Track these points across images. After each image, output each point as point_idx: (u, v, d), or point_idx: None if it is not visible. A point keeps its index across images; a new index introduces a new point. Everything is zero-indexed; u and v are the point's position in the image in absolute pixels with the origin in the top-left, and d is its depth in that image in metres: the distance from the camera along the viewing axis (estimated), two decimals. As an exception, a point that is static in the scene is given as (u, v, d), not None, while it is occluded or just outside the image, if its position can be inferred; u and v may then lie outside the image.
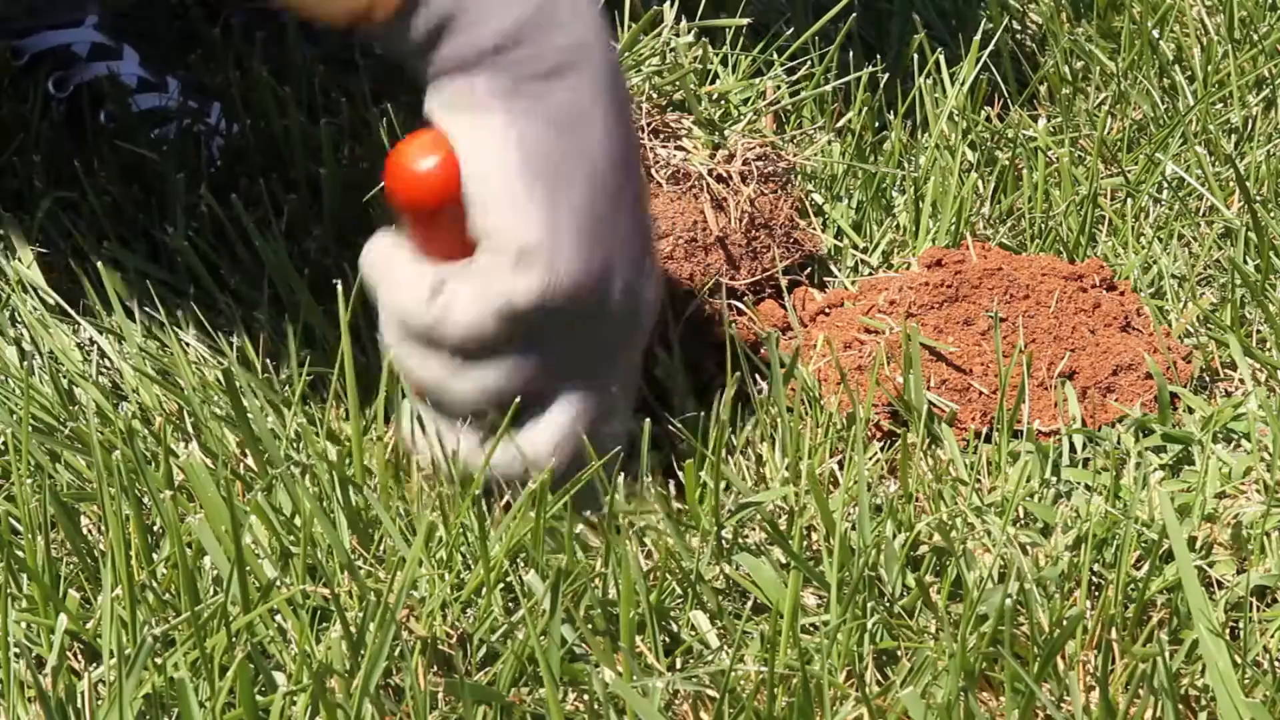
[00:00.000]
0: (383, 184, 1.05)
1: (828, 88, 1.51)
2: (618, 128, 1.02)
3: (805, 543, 1.11)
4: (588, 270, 1.01)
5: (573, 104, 1.00)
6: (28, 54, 1.56)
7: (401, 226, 1.05)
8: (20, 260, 1.35)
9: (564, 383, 1.06)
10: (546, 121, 1.00)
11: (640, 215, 1.05)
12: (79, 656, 1.05)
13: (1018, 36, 1.66)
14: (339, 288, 1.12)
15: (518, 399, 1.04)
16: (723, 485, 1.12)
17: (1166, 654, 1.00)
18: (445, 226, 1.02)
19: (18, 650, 1.03)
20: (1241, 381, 1.27)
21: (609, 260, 1.02)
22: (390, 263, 1.05)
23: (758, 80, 1.49)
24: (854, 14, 1.56)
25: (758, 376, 1.24)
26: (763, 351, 1.28)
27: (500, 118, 1.00)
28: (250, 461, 1.16)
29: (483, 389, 1.04)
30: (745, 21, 1.49)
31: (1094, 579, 1.09)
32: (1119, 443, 1.20)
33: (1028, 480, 1.16)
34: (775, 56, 1.51)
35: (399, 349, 1.05)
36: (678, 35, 1.41)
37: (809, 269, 1.38)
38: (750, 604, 1.07)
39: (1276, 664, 1.02)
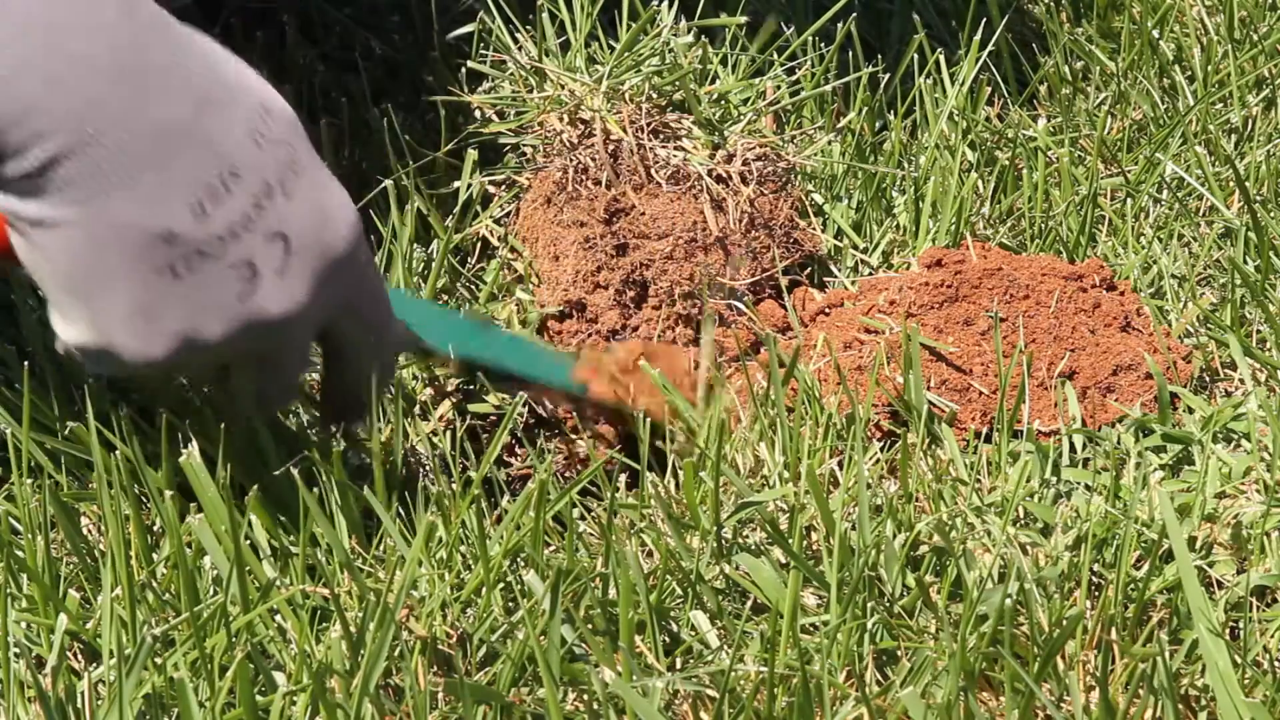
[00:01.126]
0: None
1: (827, 88, 1.51)
2: (177, 188, 0.99)
3: (805, 543, 1.11)
4: (160, 361, 1.01)
5: (78, 213, 0.97)
6: None
7: None
8: (20, 260, 1.35)
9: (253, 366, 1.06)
10: (61, 235, 0.98)
11: (248, 239, 1.01)
12: (79, 656, 1.05)
13: (1018, 36, 1.66)
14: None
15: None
16: (722, 485, 1.12)
17: (1166, 654, 1.00)
18: None
19: (18, 650, 1.03)
20: (1241, 381, 1.27)
21: (184, 331, 1.01)
22: None
23: (757, 80, 1.49)
24: (854, 14, 1.56)
25: (757, 377, 1.24)
26: (762, 352, 1.28)
27: (17, 237, 0.99)
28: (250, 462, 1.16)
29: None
30: (744, 20, 1.49)
31: (1094, 579, 1.09)
32: (1119, 443, 1.20)
33: (1028, 480, 1.16)
34: (775, 56, 1.51)
35: None
36: (676, 35, 1.41)
37: (809, 269, 1.38)
38: (750, 604, 1.07)
39: (1276, 664, 1.02)
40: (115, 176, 0.96)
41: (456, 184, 1.39)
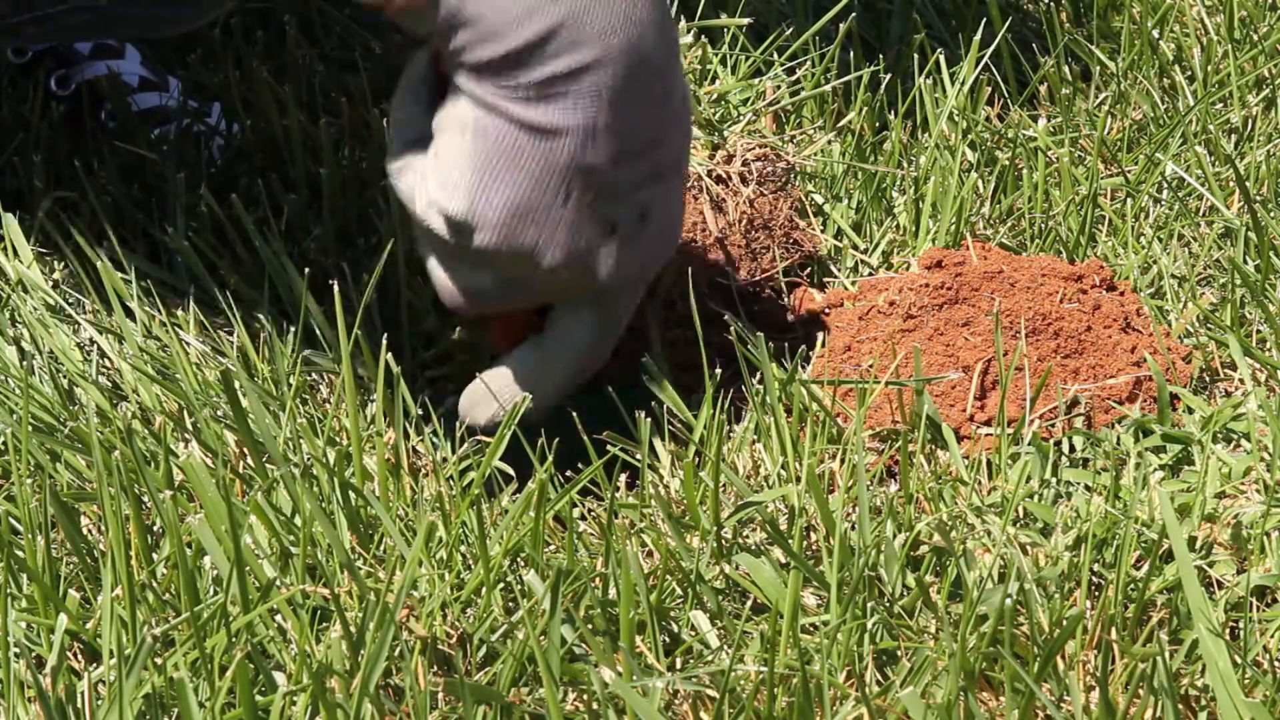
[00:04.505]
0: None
1: (827, 88, 1.51)
2: (613, 135, 1.09)
3: (805, 543, 1.11)
4: (510, 245, 1.09)
5: (547, 125, 1.08)
6: (30, 51, 1.56)
7: None
8: (20, 260, 1.35)
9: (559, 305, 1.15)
10: (511, 128, 1.08)
11: (641, 194, 1.11)
12: (79, 656, 1.05)
13: (1018, 36, 1.66)
14: (336, 289, 1.12)
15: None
16: (723, 485, 1.12)
17: (1166, 654, 1.00)
18: None
19: (18, 650, 1.03)
20: (1241, 381, 1.27)
21: (544, 241, 1.09)
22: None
23: (757, 81, 1.49)
24: (853, 14, 1.56)
25: (757, 377, 1.24)
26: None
27: (470, 106, 1.08)
28: (250, 461, 1.16)
29: (478, 291, 1.13)
30: (745, 21, 1.49)
31: (1094, 579, 1.09)
32: (1119, 443, 1.20)
33: (1028, 480, 1.16)
34: (775, 56, 1.51)
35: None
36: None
37: (809, 269, 1.38)
38: (750, 604, 1.07)
39: (1276, 664, 1.02)
40: (597, 106, 1.07)
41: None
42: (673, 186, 1.14)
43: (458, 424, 1.18)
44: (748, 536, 1.11)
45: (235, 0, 1.24)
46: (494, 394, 1.17)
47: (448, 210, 1.09)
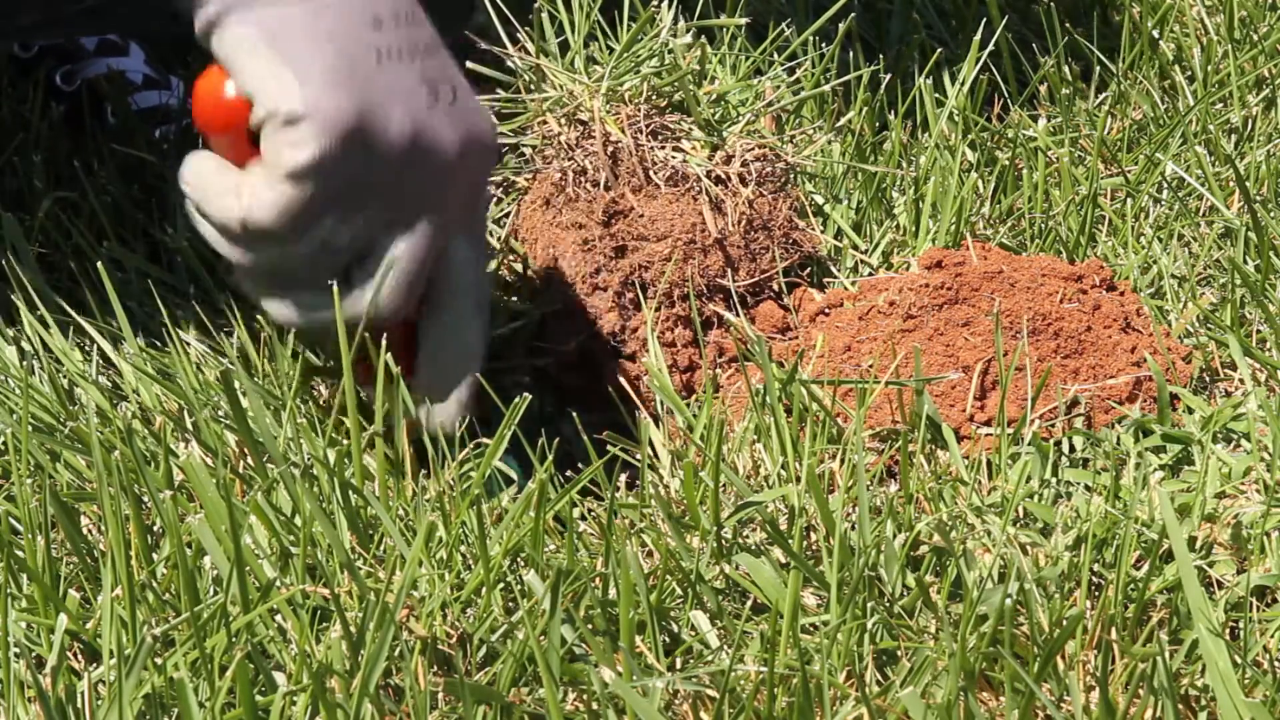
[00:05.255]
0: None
1: (827, 87, 1.51)
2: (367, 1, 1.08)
3: (805, 543, 1.11)
4: (351, 113, 1.05)
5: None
6: (35, 46, 1.56)
7: (209, 145, 1.10)
8: (20, 260, 1.35)
9: (390, 230, 1.10)
10: (281, 8, 1.06)
11: (413, 62, 1.09)
12: (79, 656, 1.05)
13: (1018, 36, 1.66)
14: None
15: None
16: (722, 485, 1.12)
17: (1166, 654, 1.00)
18: (243, 148, 1.08)
19: (18, 650, 1.03)
20: (1241, 381, 1.27)
21: (374, 104, 1.06)
22: (204, 178, 1.09)
23: (756, 81, 1.49)
24: (853, 13, 1.56)
25: (756, 378, 1.24)
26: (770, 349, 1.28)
27: (235, 23, 1.06)
28: (250, 461, 1.16)
29: (314, 252, 1.08)
30: (744, 21, 1.49)
31: (1094, 579, 1.09)
32: (1119, 443, 1.20)
33: (1028, 480, 1.16)
34: (775, 56, 1.51)
35: (230, 253, 1.10)
36: (675, 36, 1.41)
37: (808, 269, 1.38)
38: (750, 604, 1.07)
39: (1276, 664, 1.02)
40: None
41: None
42: (449, 60, 1.11)
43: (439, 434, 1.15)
44: (748, 536, 1.11)
45: None
46: (436, 392, 1.14)
47: (284, 107, 1.04)
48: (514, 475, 1.16)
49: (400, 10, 1.08)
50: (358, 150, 1.05)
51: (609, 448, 1.14)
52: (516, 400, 1.13)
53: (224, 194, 1.07)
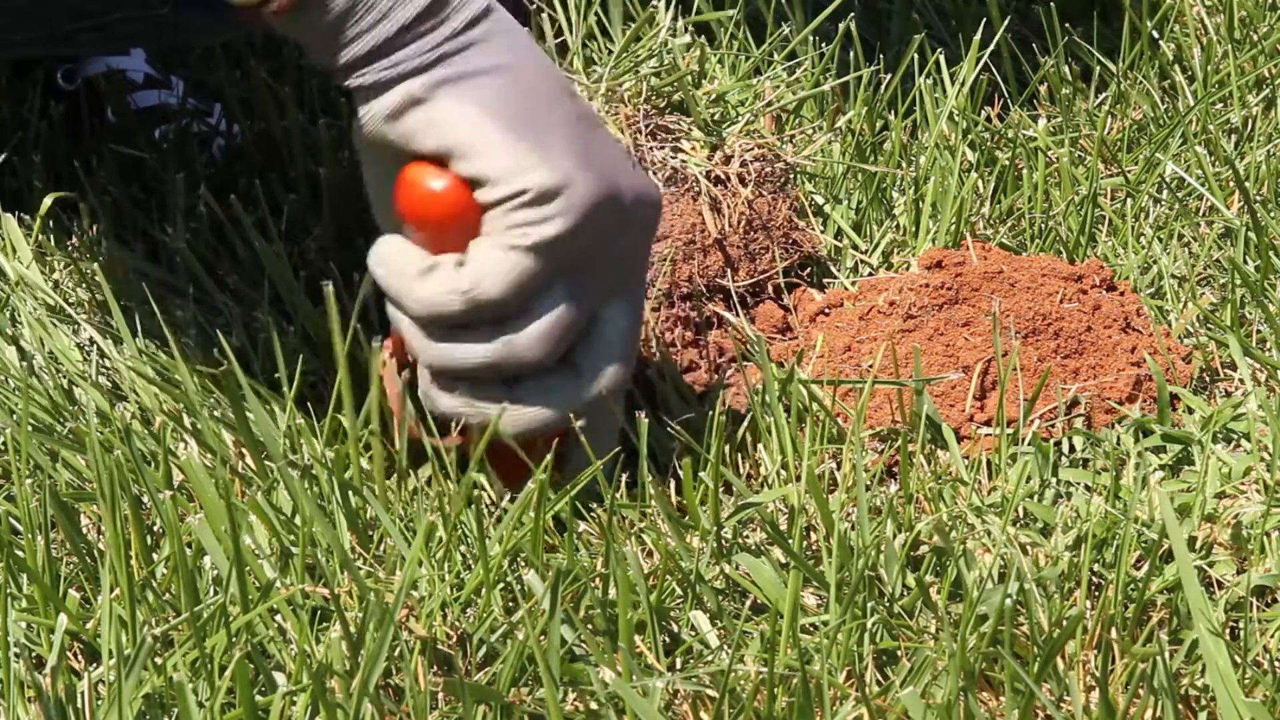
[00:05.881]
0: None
1: (826, 87, 1.51)
2: (548, 67, 1.07)
3: (805, 543, 1.11)
4: (600, 186, 1.03)
5: (503, 62, 1.04)
6: (80, 77, 1.56)
7: (407, 234, 1.07)
8: (20, 260, 1.35)
9: (605, 301, 1.08)
10: (490, 80, 1.04)
11: (600, 129, 1.08)
12: (79, 656, 1.05)
13: (1018, 36, 1.66)
14: (329, 290, 1.12)
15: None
16: (722, 485, 1.12)
17: (1166, 654, 1.00)
18: (454, 237, 1.05)
19: (18, 650, 1.03)
20: (1241, 381, 1.27)
21: (607, 176, 1.04)
22: (404, 263, 1.06)
23: (755, 80, 1.49)
24: (853, 13, 1.56)
25: (755, 378, 1.24)
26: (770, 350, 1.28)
27: (450, 99, 1.03)
28: (250, 461, 1.16)
29: (543, 335, 1.05)
30: (733, 12, 1.49)
31: (1094, 579, 1.09)
32: (1119, 443, 1.20)
33: (1028, 480, 1.16)
34: (775, 55, 1.51)
35: (436, 347, 1.06)
36: (674, 35, 1.41)
37: (808, 269, 1.38)
38: (750, 604, 1.07)
39: (1276, 664, 1.02)
40: (524, 38, 1.06)
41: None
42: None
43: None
44: (748, 536, 1.11)
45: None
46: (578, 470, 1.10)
47: (536, 184, 1.02)
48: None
49: (566, 81, 1.08)
50: (602, 221, 1.04)
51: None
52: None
53: (440, 278, 1.04)
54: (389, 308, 1.08)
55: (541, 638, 0.98)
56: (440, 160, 1.04)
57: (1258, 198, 1.45)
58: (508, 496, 1.13)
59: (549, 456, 1.06)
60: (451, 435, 1.09)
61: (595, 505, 1.13)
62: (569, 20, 1.44)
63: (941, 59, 1.56)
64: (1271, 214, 1.42)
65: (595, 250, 1.05)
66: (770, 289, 1.35)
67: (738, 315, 1.32)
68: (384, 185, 1.07)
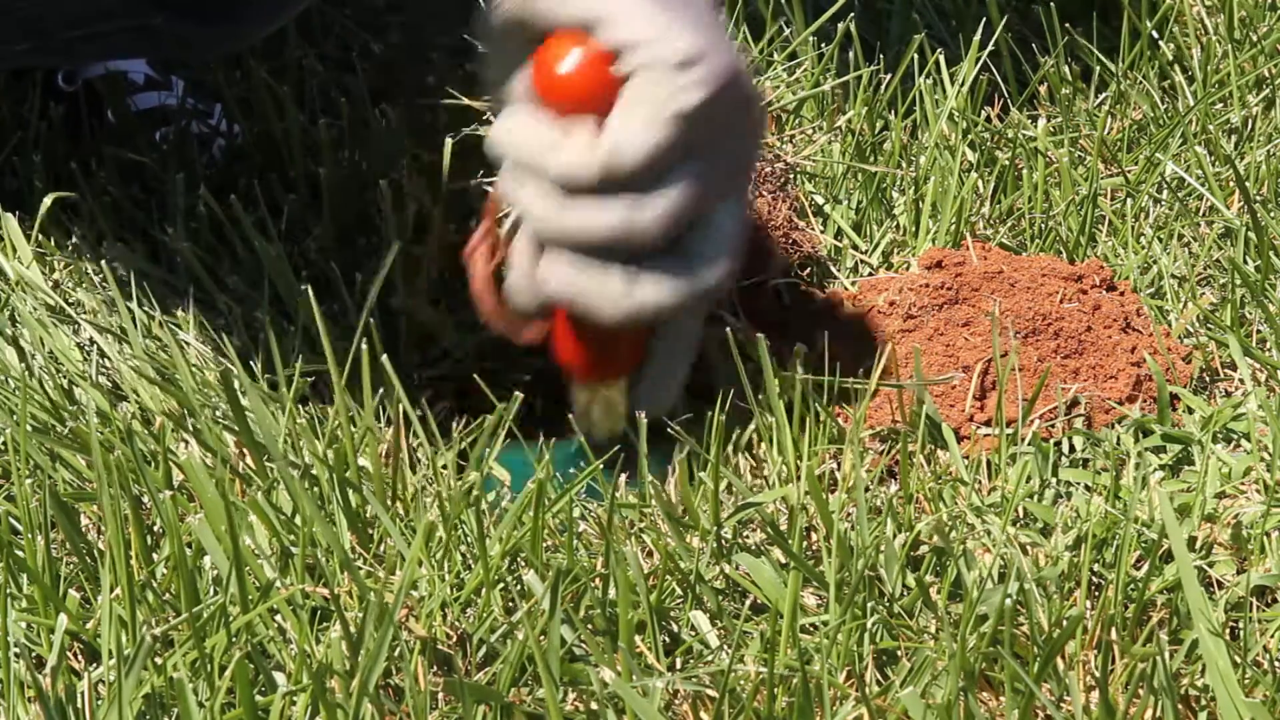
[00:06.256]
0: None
1: (826, 87, 1.51)
2: None
3: (805, 543, 1.11)
4: (731, 62, 1.06)
5: None
6: (80, 78, 1.56)
7: (539, 112, 1.08)
8: (20, 260, 1.35)
9: (721, 196, 1.09)
10: None
11: (721, 21, 1.11)
12: (79, 656, 1.05)
13: (1018, 36, 1.66)
14: (309, 292, 1.12)
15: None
16: (722, 485, 1.12)
17: (1166, 654, 1.00)
18: (591, 110, 1.07)
19: (18, 650, 1.03)
20: (1241, 381, 1.27)
21: (733, 55, 1.07)
22: (533, 134, 1.08)
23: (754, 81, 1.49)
24: (853, 13, 1.56)
25: (755, 378, 1.24)
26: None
27: None
28: (250, 461, 1.16)
29: (669, 212, 1.07)
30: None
31: (1094, 579, 1.09)
32: (1119, 443, 1.20)
33: (1028, 480, 1.16)
34: (775, 55, 1.51)
35: (564, 216, 1.07)
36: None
37: (808, 269, 1.38)
38: (750, 604, 1.07)
39: (1276, 664, 1.02)
40: None
41: (457, 185, 1.39)
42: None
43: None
44: (748, 536, 1.11)
45: (280, 21, 1.23)
46: (659, 393, 1.13)
47: (680, 50, 1.04)
48: (524, 463, 1.14)
49: None
50: (732, 100, 1.06)
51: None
52: (513, 399, 1.13)
53: (575, 144, 1.06)
54: (504, 183, 1.09)
55: (541, 638, 0.98)
56: (579, 34, 1.06)
57: (1258, 198, 1.45)
58: (508, 496, 1.13)
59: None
60: (538, 324, 1.11)
61: (595, 505, 1.13)
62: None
63: (941, 59, 1.56)
64: (1271, 214, 1.42)
65: (721, 134, 1.07)
66: (770, 289, 1.35)
67: (738, 315, 1.32)
68: (513, 71, 1.09)
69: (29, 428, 1.15)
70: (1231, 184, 1.47)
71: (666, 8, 1.05)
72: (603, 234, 1.06)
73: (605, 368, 1.11)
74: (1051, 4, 1.59)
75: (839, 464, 1.17)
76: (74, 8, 1.20)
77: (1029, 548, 1.10)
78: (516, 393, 1.14)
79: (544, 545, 1.07)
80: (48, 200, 1.38)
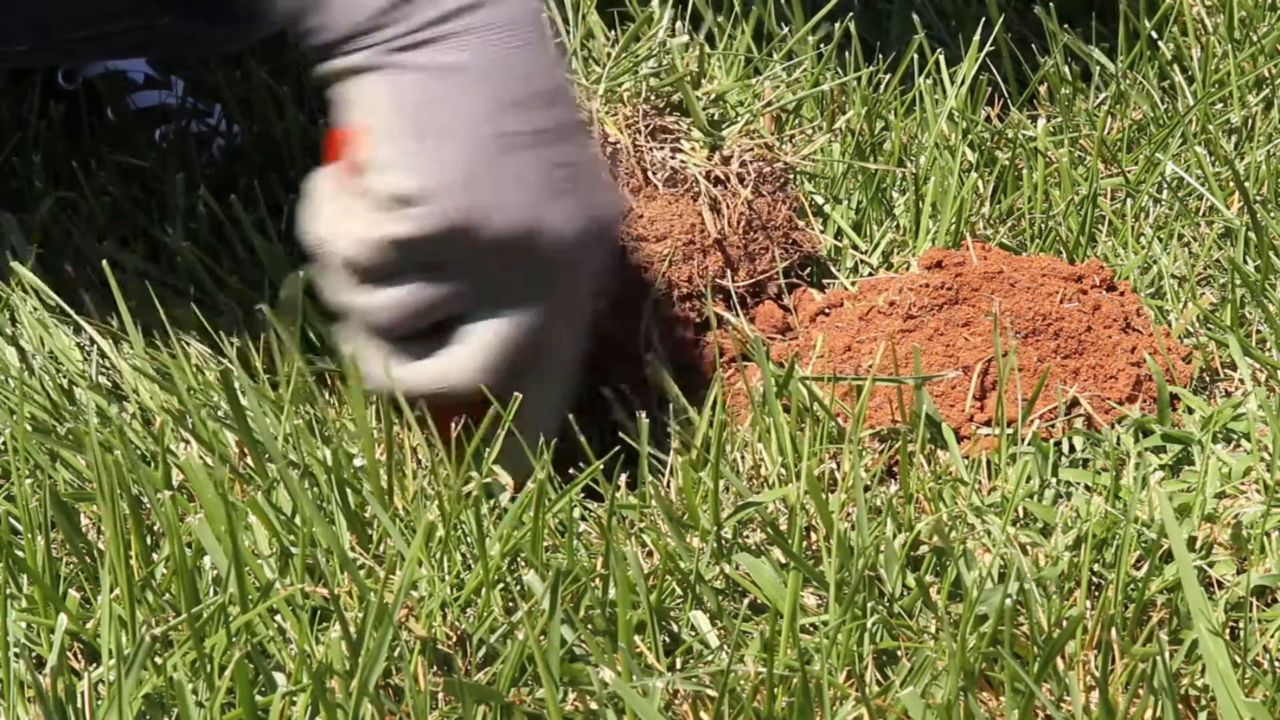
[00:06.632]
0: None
1: (826, 87, 1.51)
2: (525, 75, 1.09)
3: (805, 543, 1.11)
4: (460, 212, 1.06)
5: (459, 61, 1.07)
6: (81, 77, 1.56)
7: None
8: (20, 260, 1.35)
9: (485, 308, 1.10)
10: (422, 78, 1.07)
11: (559, 149, 1.10)
12: (79, 656, 1.05)
13: (1018, 36, 1.66)
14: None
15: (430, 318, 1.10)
16: (722, 485, 1.12)
17: (1166, 654, 1.00)
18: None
19: (18, 650, 1.03)
20: (1241, 381, 1.27)
21: (487, 202, 1.07)
22: (319, 197, 1.11)
23: (755, 80, 1.49)
24: (852, 13, 1.56)
25: (755, 378, 1.24)
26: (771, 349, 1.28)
27: (379, 80, 1.08)
28: (250, 461, 1.16)
29: (391, 305, 1.09)
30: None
31: (1094, 579, 1.09)
32: (1119, 443, 1.20)
33: (1028, 480, 1.16)
34: (774, 55, 1.51)
35: (327, 275, 1.11)
36: (673, 35, 1.41)
37: (808, 269, 1.38)
38: (750, 604, 1.07)
39: (1276, 664, 1.02)
40: (499, 38, 1.07)
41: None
42: (587, 145, 1.12)
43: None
44: (748, 536, 1.11)
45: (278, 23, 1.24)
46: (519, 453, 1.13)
47: (402, 188, 1.06)
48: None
49: (545, 90, 1.09)
50: (457, 242, 1.07)
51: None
52: (514, 399, 1.13)
53: (320, 215, 1.10)
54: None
55: (541, 638, 0.98)
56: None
57: (1258, 198, 1.45)
58: (507, 496, 1.13)
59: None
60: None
61: (595, 505, 1.13)
62: (567, 20, 1.44)
63: (941, 59, 1.56)
64: (1271, 214, 1.42)
65: (462, 264, 1.08)
66: (770, 289, 1.35)
67: (738, 315, 1.32)
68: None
69: (28, 428, 1.15)
70: (1231, 184, 1.47)
71: (426, 135, 1.06)
72: (355, 310, 1.10)
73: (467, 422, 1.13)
74: (1051, 4, 1.59)
75: (839, 464, 1.17)
76: (79, 8, 1.21)
77: (1029, 548, 1.10)
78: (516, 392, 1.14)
79: (544, 545, 1.07)
80: (47, 201, 1.38)
